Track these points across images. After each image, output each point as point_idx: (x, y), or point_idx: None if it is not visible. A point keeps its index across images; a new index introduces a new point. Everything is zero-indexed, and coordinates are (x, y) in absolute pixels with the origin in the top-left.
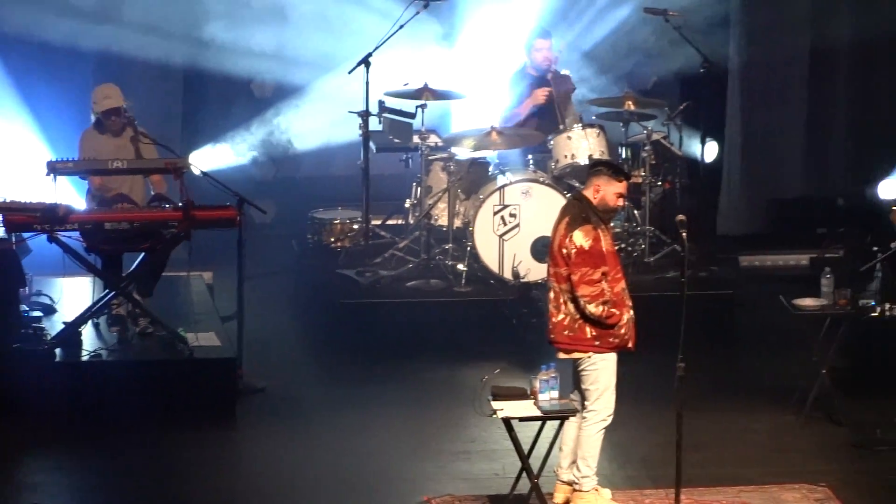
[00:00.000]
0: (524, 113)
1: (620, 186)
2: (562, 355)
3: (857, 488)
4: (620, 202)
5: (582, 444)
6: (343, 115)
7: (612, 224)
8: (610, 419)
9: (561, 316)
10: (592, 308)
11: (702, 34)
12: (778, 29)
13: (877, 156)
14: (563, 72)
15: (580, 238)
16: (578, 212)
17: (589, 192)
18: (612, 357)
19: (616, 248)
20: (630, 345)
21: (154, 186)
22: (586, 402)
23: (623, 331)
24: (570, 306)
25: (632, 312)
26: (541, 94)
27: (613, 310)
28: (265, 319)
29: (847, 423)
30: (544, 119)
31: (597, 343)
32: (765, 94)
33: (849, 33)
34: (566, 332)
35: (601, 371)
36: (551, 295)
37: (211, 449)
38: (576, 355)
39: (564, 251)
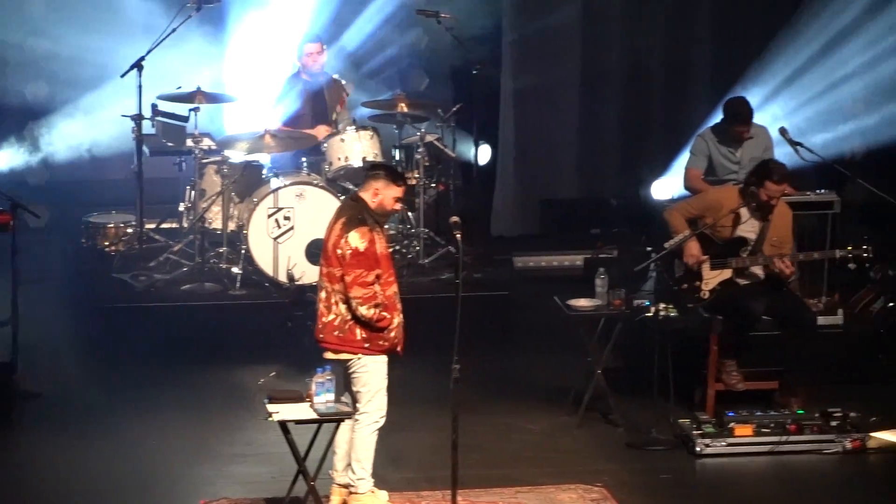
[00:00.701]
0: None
1: (399, 191)
2: (330, 355)
3: (632, 488)
4: (398, 206)
5: (355, 447)
6: (116, 118)
7: (386, 226)
8: (382, 420)
9: (332, 316)
10: (364, 310)
11: (475, 37)
12: (549, 32)
13: (649, 157)
14: (335, 76)
15: (356, 239)
16: (355, 213)
17: (367, 195)
18: (382, 359)
19: (390, 250)
20: (399, 349)
21: None
22: (358, 405)
23: (393, 334)
24: (342, 307)
25: (401, 317)
26: (321, 133)
27: (385, 313)
28: (40, 324)
29: (622, 424)
30: (315, 123)
31: (366, 345)
32: (537, 96)
33: (619, 36)
34: (336, 333)
35: (372, 373)
36: (322, 295)
37: None
38: (344, 356)
39: (339, 252)
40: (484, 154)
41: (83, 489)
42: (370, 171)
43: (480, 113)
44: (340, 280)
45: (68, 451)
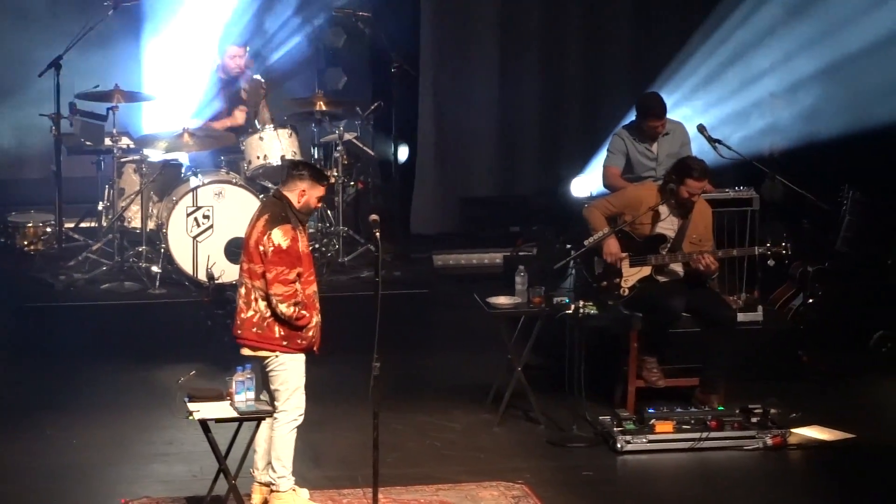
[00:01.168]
0: (220, 129)
1: (323, 190)
2: (247, 352)
3: (553, 485)
4: (319, 204)
5: (275, 445)
6: (34, 117)
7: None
8: (301, 419)
9: (251, 313)
10: (284, 308)
11: (393, 35)
12: (468, 32)
13: (567, 155)
14: (256, 76)
15: (279, 237)
16: (278, 210)
17: (292, 195)
18: (300, 357)
19: (310, 249)
20: (315, 348)
21: None
22: (276, 403)
23: (311, 333)
24: (261, 304)
25: (319, 316)
26: (239, 119)
27: (304, 311)
28: None
29: (543, 421)
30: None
31: (285, 343)
32: (456, 94)
33: (537, 35)
34: (254, 330)
35: (290, 371)
36: (242, 291)
37: None
38: (262, 353)
39: (262, 248)
40: (403, 153)
41: (2, 489)
42: (295, 170)
43: (399, 111)
44: (261, 277)
45: None
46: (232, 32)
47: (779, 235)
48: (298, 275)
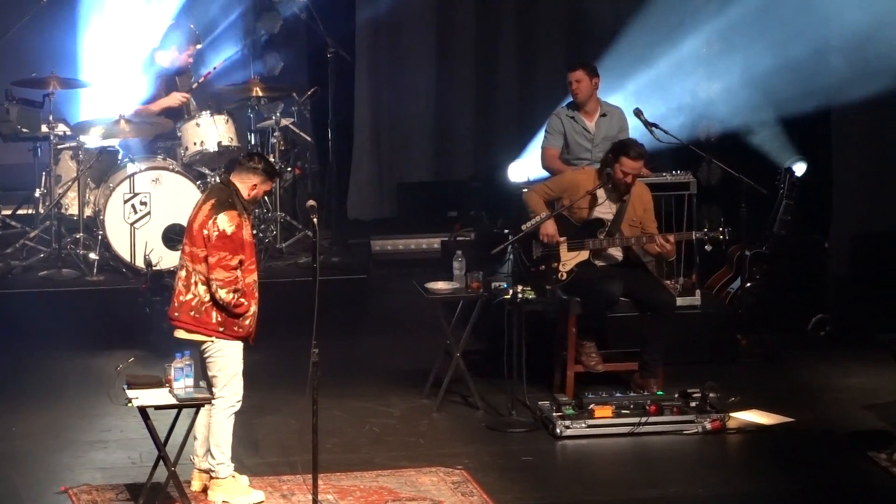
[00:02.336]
0: (157, 110)
1: (272, 185)
2: (182, 334)
3: (493, 470)
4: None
5: (213, 432)
6: None
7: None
8: (239, 405)
9: (190, 296)
10: (223, 294)
11: (329, 20)
12: (403, 15)
13: (504, 139)
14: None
15: (224, 222)
16: (225, 196)
17: (242, 185)
18: (237, 343)
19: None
20: (251, 339)
21: None
22: (214, 389)
23: (248, 322)
24: (201, 288)
25: (257, 307)
26: (177, 98)
27: (243, 300)
28: None
29: (481, 406)
30: (173, 108)
31: (221, 329)
32: (392, 80)
33: (472, 19)
34: (192, 313)
35: (227, 357)
36: (182, 273)
37: None
38: (197, 338)
39: (206, 232)
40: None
41: None
42: (250, 162)
43: (335, 96)
44: (203, 261)
45: None
46: (180, 25)
47: (716, 219)
48: (240, 262)
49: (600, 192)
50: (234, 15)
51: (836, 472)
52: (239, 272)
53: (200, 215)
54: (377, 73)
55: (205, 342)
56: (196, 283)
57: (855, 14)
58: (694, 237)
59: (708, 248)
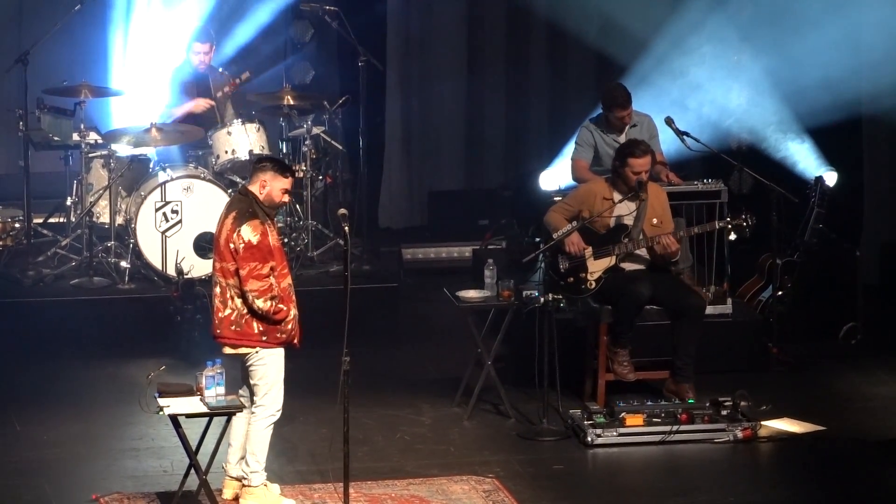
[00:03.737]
0: (179, 115)
1: (286, 182)
2: (228, 350)
3: (523, 478)
4: (286, 198)
5: (251, 440)
6: (2, 113)
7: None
8: (278, 414)
9: (228, 311)
10: (261, 303)
11: (360, 28)
12: (434, 25)
13: (534, 148)
14: (220, 70)
15: (248, 233)
16: (245, 207)
17: (255, 188)
18: (279, 352)
19: (281, 242)
20: (296, 341)
21: None
22: (255, 398)
23: (290, 326)
24: (237, 301)
25: (296, 310)
26: (202, 105)
27: (281, 305)
28: None
29: (512, 415)
30: (202, 116)
31: (264, 338)
32: (423, 88)
33: (504, 28)
34: (233, 328)
35: (269, 366)
36: (217, 290)
37: None
38: (242, 350)
39: (232, 246)
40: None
41: None
42: (257, 163)
43: (366, 105)
44: (235, 275)
45: None
46: (199, 28)
47: (739, 208)
48: (272, 269)
49: (616, 196)
50: (265, 24)
51: (867, 481)
52: (272, 279)
53: (224, 230)
54: (408, 81)
55: (248, 353)
56: (232, 297)
57: (887, 22)
58: (717, 226)
59: (732, 237)
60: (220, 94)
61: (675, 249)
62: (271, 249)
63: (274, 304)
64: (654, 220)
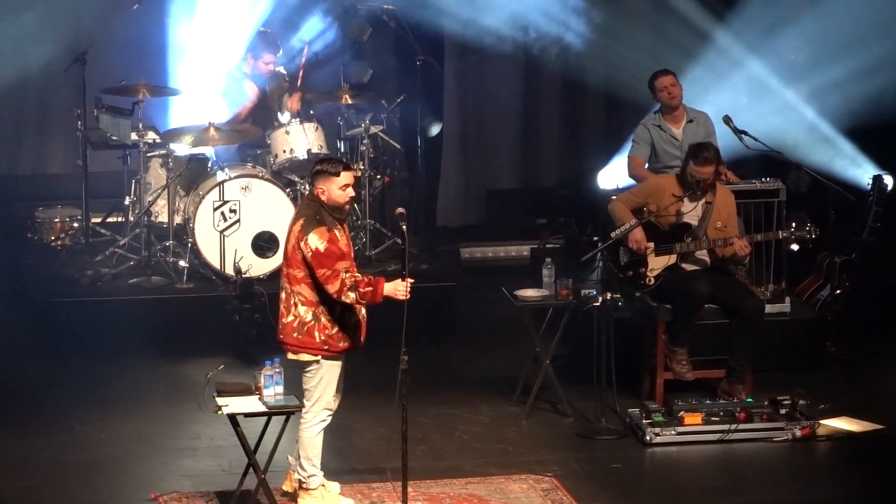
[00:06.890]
0: (244, 114)
1: (341, 179)
2: (290, 356)
3: (582, 477)
4: (350, 193)
5: (303, 444)
6: (60, 112)
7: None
8: (329, 419)
9: (290, 318)
10: (347, 299)
11: (418, 27)
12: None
13: (592, 146)
14: (278, 68)
15: (315, 240)
16: (313, 213)
17: (319, 194)
18: (338, 364)
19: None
20: (361, 341)
21: None
22: (306, 402)
23: (352, 334)
24: (301, 309)
25: (365, 310)
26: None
27: (368, 287)
28: None
29: (571, 414)
30: (260, 115)
31: (325, 348)
32: (480, 86)
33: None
34: (295, 335)
35: (325, 375)
36: (283, 295)
37: None
38: (304, 357)
39: (300, 254)
40: (435, 129)
41: (31, 484)
42: (312, 171)
43: (424, 104)
44: (300, 282)
45: (15, 447)
46: (263, 34)
47: (803, 218)
48: (346, 269)
49: (686, 196)
50: (324, 24)
51: None
52: (346, 274)
53: (292, 236)
54: (465, 79)
55: (309, 360)
56: (296, 305)
57: None
58: (780, 236)
59: (795, 247)
60: (285, 94)
61: (744, 254)
62: (342, 253)
63: (357, 295)
64: (719, 224)
